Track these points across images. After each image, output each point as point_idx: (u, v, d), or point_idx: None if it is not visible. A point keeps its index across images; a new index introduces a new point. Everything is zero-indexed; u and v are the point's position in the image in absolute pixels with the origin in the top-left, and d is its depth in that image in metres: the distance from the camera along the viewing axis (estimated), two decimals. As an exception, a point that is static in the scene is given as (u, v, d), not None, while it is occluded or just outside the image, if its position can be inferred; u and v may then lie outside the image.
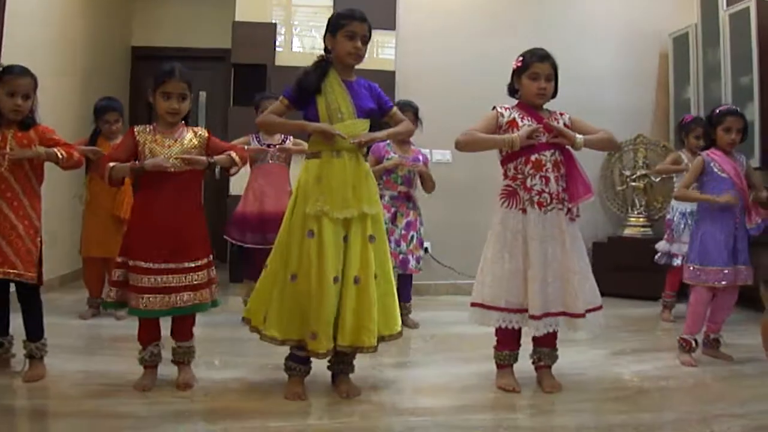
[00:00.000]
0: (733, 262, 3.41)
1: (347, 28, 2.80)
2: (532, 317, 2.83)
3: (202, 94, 7.65)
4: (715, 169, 3.47)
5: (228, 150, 2.98)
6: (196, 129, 2.96)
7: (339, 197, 2.74)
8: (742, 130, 3.50)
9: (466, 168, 5.29)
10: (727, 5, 5.35)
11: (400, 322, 2.91)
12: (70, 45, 5.63)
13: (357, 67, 2.91)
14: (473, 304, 2.97)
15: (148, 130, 2.87)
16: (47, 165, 3.05)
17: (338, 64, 2.86)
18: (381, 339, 2.81)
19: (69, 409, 2.63)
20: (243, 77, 5.64)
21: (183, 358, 2.92)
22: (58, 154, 2.97)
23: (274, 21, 5.66)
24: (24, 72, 2.94)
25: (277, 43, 5.62)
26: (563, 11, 6.07)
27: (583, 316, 2.86)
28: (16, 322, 3.03)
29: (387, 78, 5.37)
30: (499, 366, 3.00)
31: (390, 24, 5.65)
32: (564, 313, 2.87)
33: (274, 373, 3.01)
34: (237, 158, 2.94)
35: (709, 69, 5.61)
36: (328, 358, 2.82)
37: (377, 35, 5.61)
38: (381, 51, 5.62)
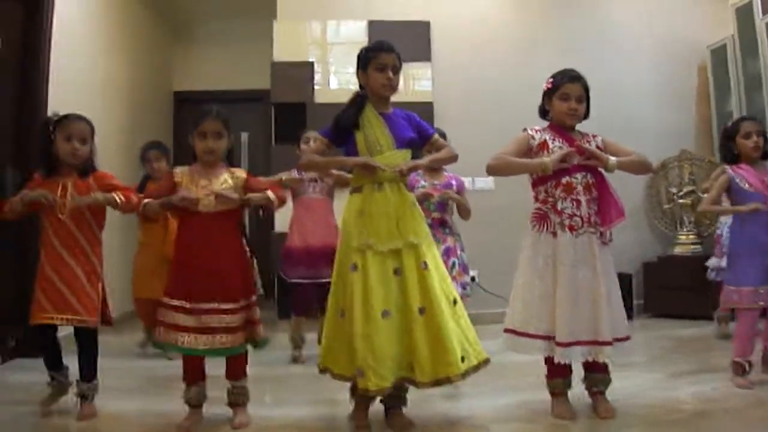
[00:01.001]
0: None
1: (376, 60, 2.82)
2: (559, 344, 2.77)
3: (244, 135, 7.80)
4: (742, 185, 3.37)
5: (266, 189, 3.01)
6: (234, 170, 2.99)
7: (383, 229, 2.73)
8: (762, 133, 3.40)
9: (509, 194, 5.25)
10: (763, 14, 5.28)
11: (481, 349, 2.82)
12: (114, 92, 5.83)
13: (395, 99, 2.93)
14: (506, 330, 2.94)
15: (187, 171, 2.94)
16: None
17: (374, 98, 2.88)
18: (474, 369, 2.75)
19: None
20: (283, 116, 5.73)
21: (237, 400, 2.93)
22: (117, 199, 3.05)
23: (311, 59, 5.76)
24: (80, 117, 3.07)
25: (315, 81, 5.71)
26: (597, 30, 6.07)
27: (610, 344, 2.77)
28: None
29: (425, 109, 5.40)
30: (552, 394, 2.94)
31: (425, 56, 5.71)
32: (595, 342, 2.78)
33: (325, 409, 3.01)
34: (273, 198, 2.96)
35: (750, 79, 5.53)
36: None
37: (413, 68, 5.73)
38: (417, 83, 5.67)
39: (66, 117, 3.04)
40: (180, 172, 2.93)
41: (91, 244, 3.07)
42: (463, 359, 2.69)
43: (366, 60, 2.86)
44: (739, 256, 3.37)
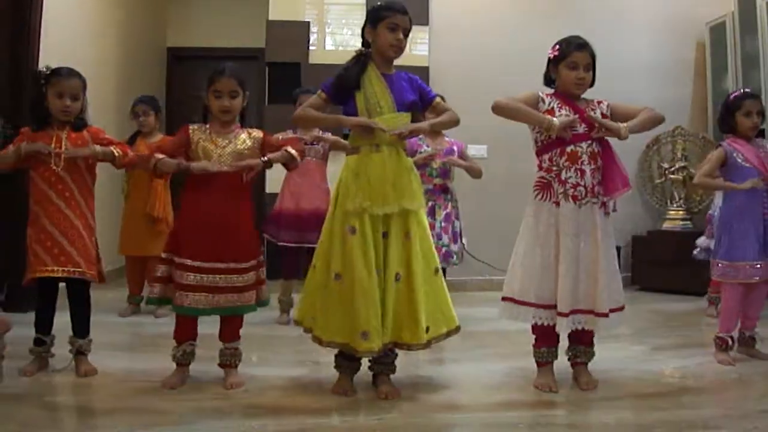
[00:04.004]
0: (765, 255, 3.28)
1: (389, 19, 2.75)
2: (560, 314, 2.77)
3: (237, 93, 7.71)
4: (738, 159, 3.33)
5: (283, 146, 2.98)
6: (251, 130, 2.96)
7: (378, 193, 2.69)
8: (762, 113, 3.37)
9: (502, 163, 5.26)
10: (765, -8, 5.25)
11: (454, 316, 2.85)
12: (106, 47, 5.74)
13: (391, 62, 2.87)
14: (504, 299, 2.92)
15: (203, 129, 2.90)
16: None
17: (378, 58, 2.82)
18: (444, 336, 2.80)
19: (110, 405, 2.68)
20: (277, 76, 5.68)
21: (230, 361, 2.92)
22: (115, 152, 3.06)
23: (307, 19, 5.69)
24: (72, 73, 3.00)
25: (311, 42, 5.65)
26: (598, 2, 6.00)
27: (606, 315, 2.78)
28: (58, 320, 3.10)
29: (421, 73, 5.26)
30: (538, 364, 2.94)
31: (423, 19, 5.62)
32: (591, 312, 2.79)
33: (312, 370, 3.02)
34: (294, 153, 2.94)
35: (748, 58, 5.51)
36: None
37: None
38: (414, 46, 5.60)
39: (58, 72, 2.97)
40: (195, 129, 2.89)
41: (86, 197, 3.05)
42: (427, 329, 2.73)
43: (378, 17, 2.77)
44: (734, 230, 3.33)
